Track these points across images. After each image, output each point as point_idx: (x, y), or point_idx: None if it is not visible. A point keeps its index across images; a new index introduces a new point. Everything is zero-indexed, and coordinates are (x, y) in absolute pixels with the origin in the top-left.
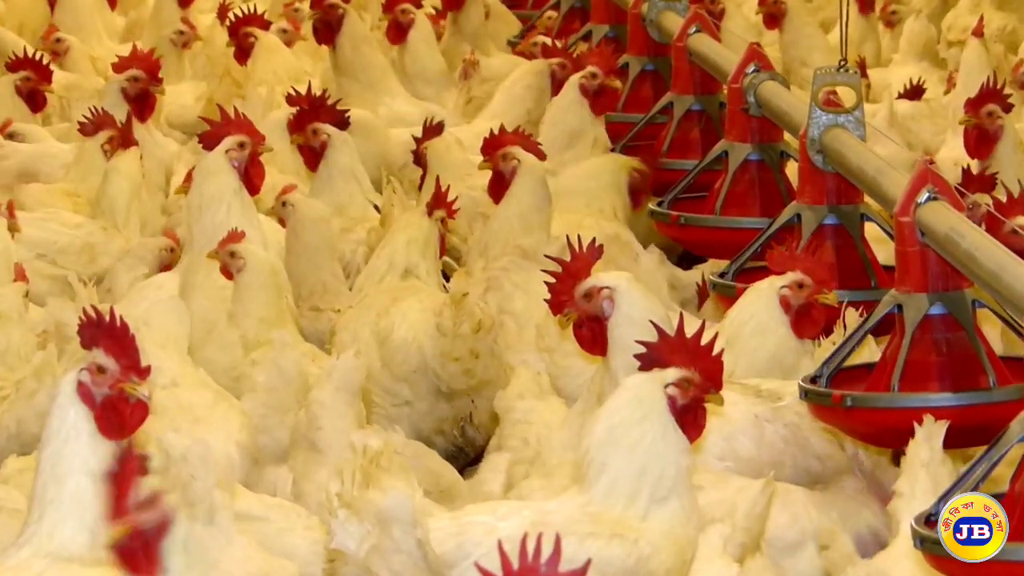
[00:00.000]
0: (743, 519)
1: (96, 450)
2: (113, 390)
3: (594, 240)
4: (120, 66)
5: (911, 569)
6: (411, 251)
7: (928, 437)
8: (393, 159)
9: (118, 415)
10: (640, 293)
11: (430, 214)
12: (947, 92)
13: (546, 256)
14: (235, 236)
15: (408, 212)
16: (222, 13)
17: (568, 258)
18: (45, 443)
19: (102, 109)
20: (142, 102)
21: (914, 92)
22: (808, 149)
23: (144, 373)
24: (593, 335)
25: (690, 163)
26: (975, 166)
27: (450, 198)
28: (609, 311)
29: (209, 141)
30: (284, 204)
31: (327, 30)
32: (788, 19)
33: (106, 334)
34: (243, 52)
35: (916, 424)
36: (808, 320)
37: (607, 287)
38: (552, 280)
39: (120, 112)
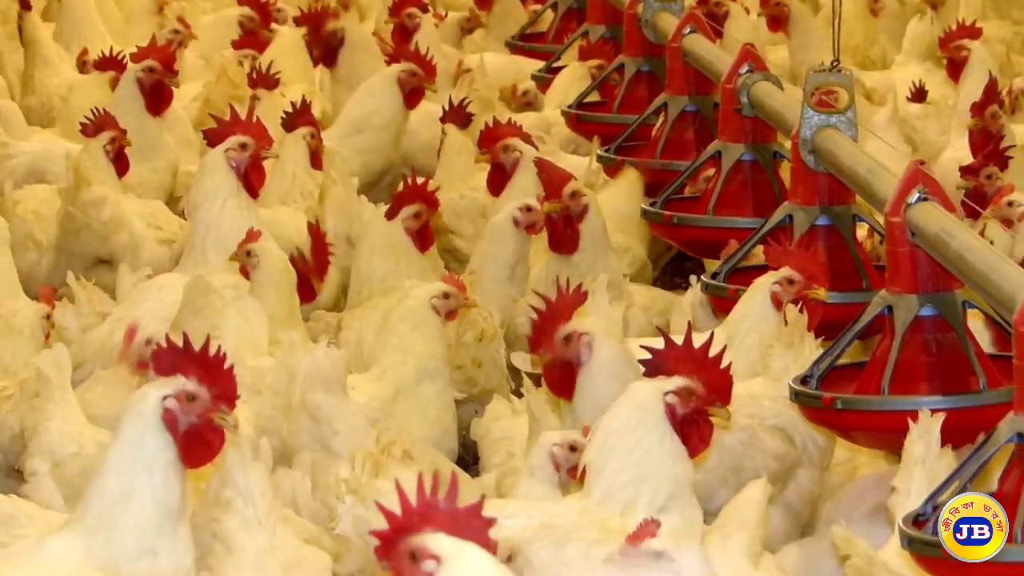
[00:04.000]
0: (754, 528)
1: (167, 481)
2: (202, 419)
3: (580, 285)
4: (138, 56)
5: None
6: (381, 263)
7: (923, 433)
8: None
9: (204, 445)
10: (616, 343)
11: (390, 217)
12: None
13: (533, 291)
14: (253, 235)
15: (373, 218)
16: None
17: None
18: (113, 466)
19: (103, 110)
20: (156, 94)
21: (920, 95)
22: (800, 149)
23: (234, 403)
24: (563, 378)
25: (684, 164)
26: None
27: (431, 188)
28: (585, 357)
29: (214, 139)
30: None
31: (330, 55)
32: (793, 23)
33: (198, 362)
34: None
35: (911, 421)
36: None
37: (586, 333)
38: (535, 317)
39: (134, 104)
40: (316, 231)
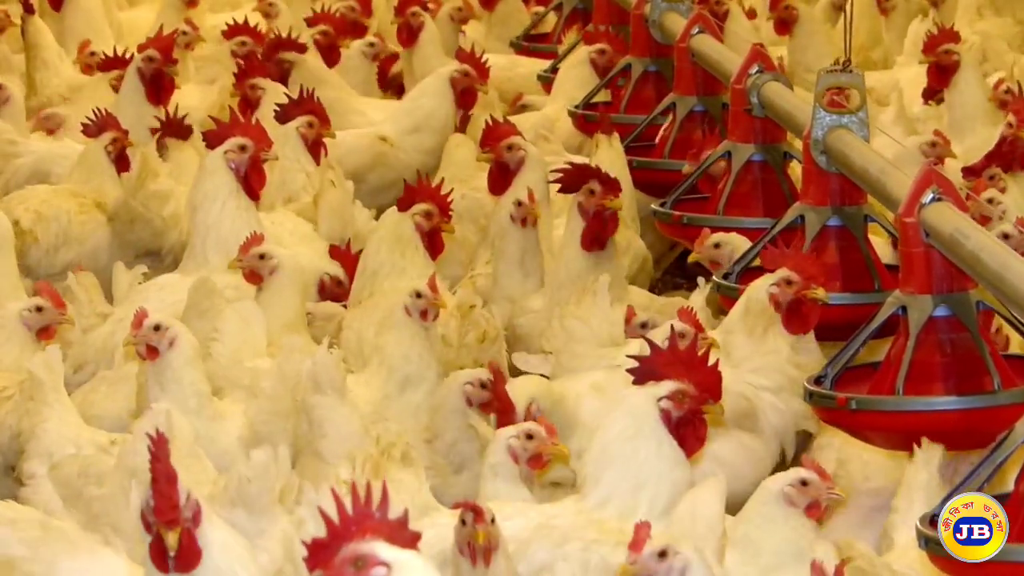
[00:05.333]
0: (716, 540)
1: None
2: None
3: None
4: (143, 48)
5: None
6: (387, 256)
7: (927, 462)
8: None
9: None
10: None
11: (401, 208)
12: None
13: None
14: (256, 239)
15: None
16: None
17: None
18: None
19: (105, 111)
20: (157, 84)
21: (932, 92)
22: (812, 150)
23: (173, 524)
24: None
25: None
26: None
27: (444, 191)
28: None
29: (214, 141)
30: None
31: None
32: (799, 25)
33: (156, 479)
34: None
35: (916, 447)
36: (798, 316)
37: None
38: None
39: (137, 96)
40: (347, 255)
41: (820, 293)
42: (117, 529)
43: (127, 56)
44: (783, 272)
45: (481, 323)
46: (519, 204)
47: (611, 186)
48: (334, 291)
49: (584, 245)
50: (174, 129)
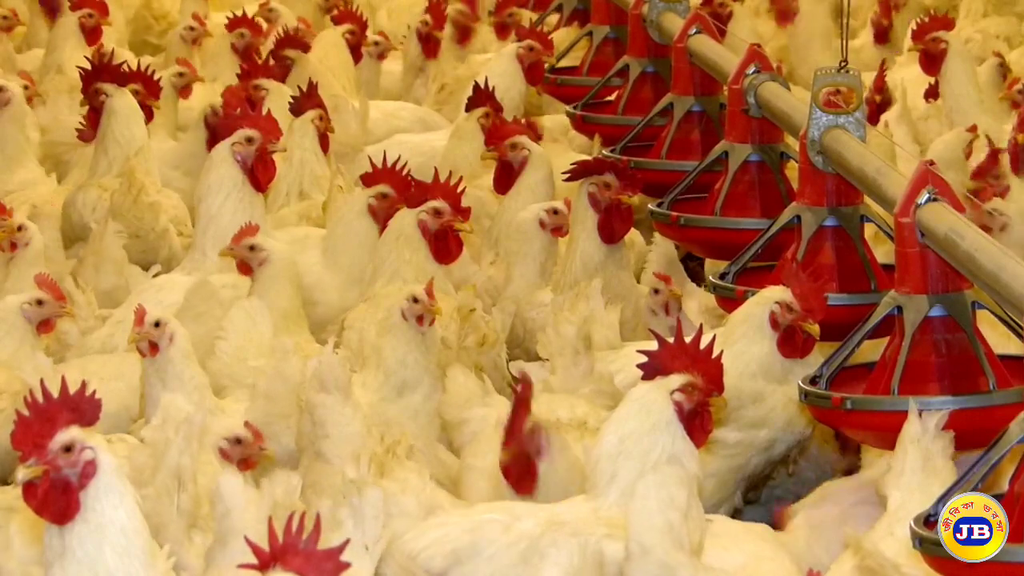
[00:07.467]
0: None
1: None
2: None
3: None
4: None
5: (897, 548)
6: (388, 254)
7: (925, 418)
8: None
9: None
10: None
11: (409, 205)
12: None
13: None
14: (250, 230)
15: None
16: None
17: None
18: None
19: None
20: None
21: (935, 91)
22: (808, 150)
23: (24, 458)
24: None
25: (690, 164)
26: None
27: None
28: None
29: (224, 131)
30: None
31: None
32: (798, 23)
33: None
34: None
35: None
36: (791, 342)
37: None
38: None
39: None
40: None
41: (814, 330)
42: (163, 528)
43: (148, 71)
44: (788, 297)
45: (481, 326)
46: (555, 212)
47: (631, 182)
48: None
49: (603, 238)
50: (108, 74)
